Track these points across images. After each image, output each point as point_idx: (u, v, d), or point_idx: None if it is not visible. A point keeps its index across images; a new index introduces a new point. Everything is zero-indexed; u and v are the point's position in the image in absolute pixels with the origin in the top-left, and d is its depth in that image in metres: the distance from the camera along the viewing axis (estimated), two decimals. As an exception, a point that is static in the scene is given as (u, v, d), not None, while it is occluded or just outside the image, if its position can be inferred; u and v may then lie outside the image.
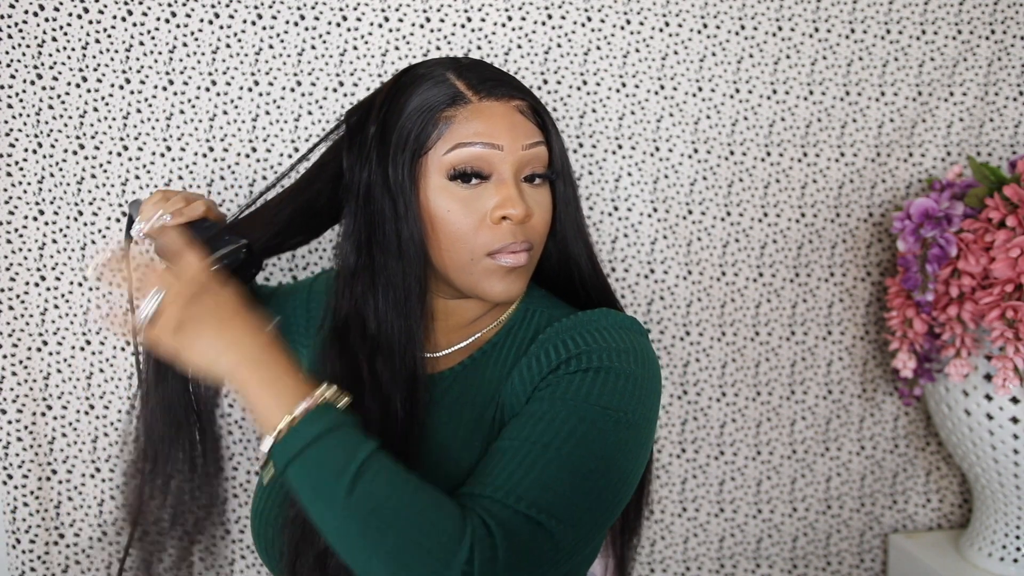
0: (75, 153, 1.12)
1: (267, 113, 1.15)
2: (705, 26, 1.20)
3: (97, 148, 1.13)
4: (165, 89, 1.13)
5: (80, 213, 1.13)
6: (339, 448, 0.64)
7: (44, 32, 1.09)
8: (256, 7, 1.13)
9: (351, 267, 0.77)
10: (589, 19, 1.18)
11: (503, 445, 0.68)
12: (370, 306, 0.76)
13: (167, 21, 1.12)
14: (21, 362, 1.14)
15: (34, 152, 1.12)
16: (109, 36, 1.11)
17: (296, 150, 1.16)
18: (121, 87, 1.12)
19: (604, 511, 0.67)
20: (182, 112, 1.13)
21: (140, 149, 1.13)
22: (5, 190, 1.12)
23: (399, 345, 0.75)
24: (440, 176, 0.74)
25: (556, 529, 0.63)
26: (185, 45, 1.12)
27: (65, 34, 1.10)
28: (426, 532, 0.61)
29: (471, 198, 0.74)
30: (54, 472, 1.16)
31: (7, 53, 1.09)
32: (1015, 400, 1.09)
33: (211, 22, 1.12)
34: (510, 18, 1.17)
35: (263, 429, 0.66)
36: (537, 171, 0.77)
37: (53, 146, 1.12)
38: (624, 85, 1.20)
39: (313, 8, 1.14)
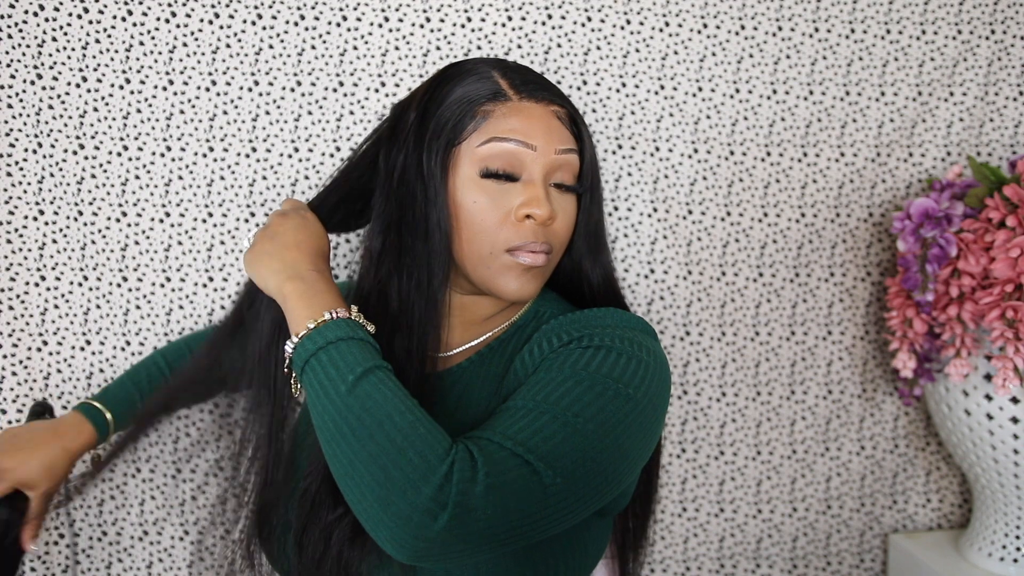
0: (75, 153, 1.12)
1: (267, 113, 1.15)
2: (705, 26, 1.20)
3: (97, 148, 1.13)
4: (165, 89, 1.13)
5: (80, 213, 1.13)
6: (353, 353, 0.68)
7: (44, 32, 1.09)
8: (256, 7, 1.13)
9: (379, 247, 0.79)
10: (589, 19, 1.18)
11: (505, 406, 0.69)
12: (394, 285, 0.77)
13: (167, 21, 1.12)
14: (21, 362, 1.14)
15: (34, 152, 1.12)
16: (109, 36, 1.11)
17: (296, 150, 1.16)
18: (121, 87, 1.12)
19: (599, 475, 0.66)
20: (182, 112, 1.13)
21: (140, 149, 1.13)
22: (5, 190, 1.12)
23: (418, 324, 0.76)
24: (471, 167, 0.75)
25: (546, 473, 0.63)
26: (185, 45, 1.12)
27: (65, 34, 1.10)
28: (412, 443, 0.63)
29: (499, 193, 0.75)
30: (54, 472, 1.17)
31: (7, 53, 1.09)
32: (1015, 400, 1.09)
33: (211, 22, 1.12)
34: (510, 18, 1.17)
35: (294, 334, 0.71)
36: (566, 180, 0.79)
37: (53, 146, 1.12)
38: (624, 85, 1.20)
39: (313, 8, 1.14)
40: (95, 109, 1.12)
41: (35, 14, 1.09)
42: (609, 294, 0.84)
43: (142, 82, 1.12)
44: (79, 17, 1.10)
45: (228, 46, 1.13)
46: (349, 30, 1.14)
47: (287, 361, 0.71)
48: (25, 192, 1.12)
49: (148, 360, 1.06)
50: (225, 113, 1.14)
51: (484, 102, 0.76)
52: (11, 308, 1.13)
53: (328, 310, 0.71)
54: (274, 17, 1.13)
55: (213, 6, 1.12)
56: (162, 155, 1.14)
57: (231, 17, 1.13)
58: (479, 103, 0.76)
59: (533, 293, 0.78)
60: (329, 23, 1.14)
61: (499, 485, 0.62)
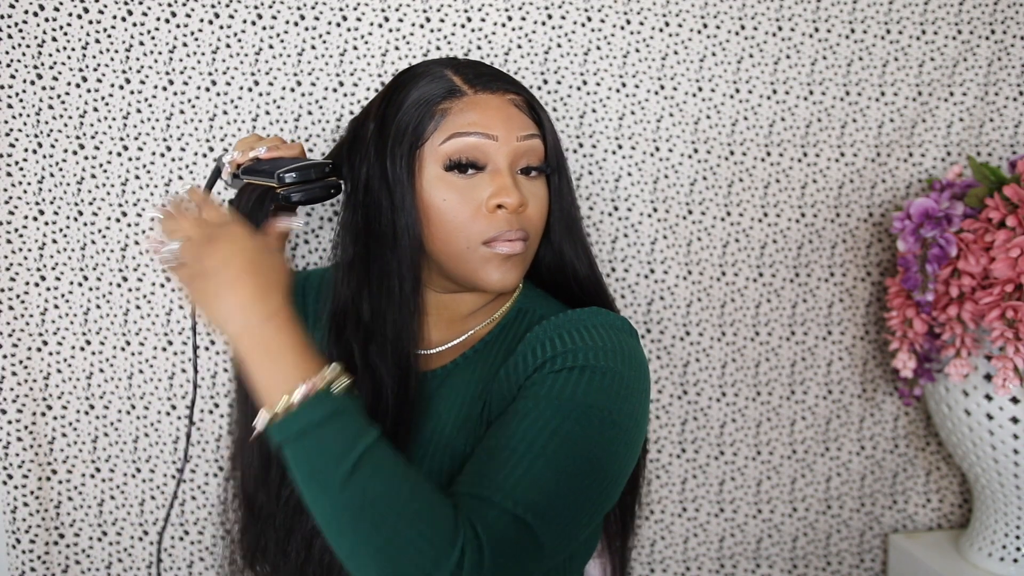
0: (75, 153, 1.12)
1: (267, 113, 1.15)
2: (705, 26, 1.20)
3: (97, 148, 1.13)
4: (165, 89, 1.13)
5: (80, 213, 1.13)
6: (338, 436, 0.62)
7: (44, 32, 1.09)
8: (256, 7, 1.13)
9: (349, 258, 0.79)
10: (589, 19, 1.18)
11: (495, 443, 0.69)
12: (364, 295, 0.77)
13: (167, 21, 1.12)
14: (21, 362, 1.14)
15: (34, 152, 1.12)
16: (109, 36, 1.11)
17: (296, 150, 1.16)
18: (121, 87, 1.12)
19: (586, 511, 0.67)
20: (182, 112, 1.13)
21: (140, 149, 1.13)
22: (5, 190, 1.12)
23: (391, 333, 0.76)
24: (436, 166, 0.76)
25: (539, 528, 0.63)
26: (185, 45, 1.12)
27: (65, 34, 1.10)
28: (419, 531, 0.61)
29: (467, 187, 0.76)
30: (54, 472, 1.16)
31: (7, 53, 1.09)
32: (1015, 400, 1.09)
33: (211, 22, 1.12)
34: (510, 18, 1.17)
35: (260, 403, 0.64)
36: (532, 164, 0.79)
37: (53, 146, 1.12)
38: (624, 85, 1.20)
39: (313, 8, 1.14)
40: (95, 109, 1.12)
41: (35, 14, 1.09)
42: (593, 282, 0.84)
43: (142, 82, 1.12)
44: (79, 17, 1.10)
45: (228, 46, 1.13)
46: (349, 30, 1.14)
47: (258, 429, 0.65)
48: (25, 192, 1.12)
49: None
50: (225, 113, 1.14)
51: (441, 100, 0.76)
52: (11, 308, 1.13)
53: (301, 381, 0.62)
54: (274, 17, 1.13)
55: (213, 6, 1.12)
56: (162, 155, 1.14)
57: (231, 17, 1.13)
58: (436, 102, 0.76)
59: (515, 282, 0.78)
60: (329, 23, 1.14)
61: (503, 557, 0.62)
